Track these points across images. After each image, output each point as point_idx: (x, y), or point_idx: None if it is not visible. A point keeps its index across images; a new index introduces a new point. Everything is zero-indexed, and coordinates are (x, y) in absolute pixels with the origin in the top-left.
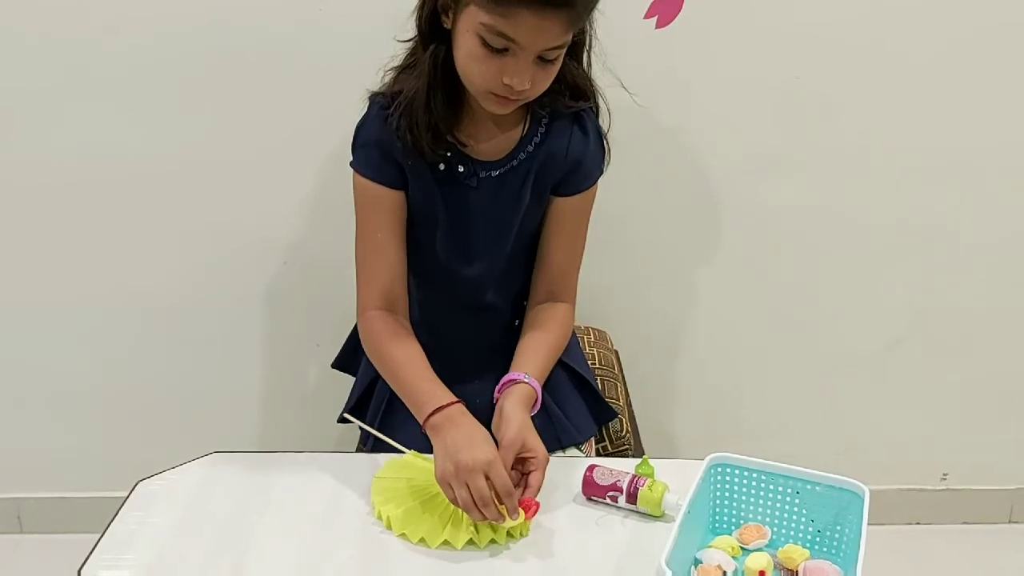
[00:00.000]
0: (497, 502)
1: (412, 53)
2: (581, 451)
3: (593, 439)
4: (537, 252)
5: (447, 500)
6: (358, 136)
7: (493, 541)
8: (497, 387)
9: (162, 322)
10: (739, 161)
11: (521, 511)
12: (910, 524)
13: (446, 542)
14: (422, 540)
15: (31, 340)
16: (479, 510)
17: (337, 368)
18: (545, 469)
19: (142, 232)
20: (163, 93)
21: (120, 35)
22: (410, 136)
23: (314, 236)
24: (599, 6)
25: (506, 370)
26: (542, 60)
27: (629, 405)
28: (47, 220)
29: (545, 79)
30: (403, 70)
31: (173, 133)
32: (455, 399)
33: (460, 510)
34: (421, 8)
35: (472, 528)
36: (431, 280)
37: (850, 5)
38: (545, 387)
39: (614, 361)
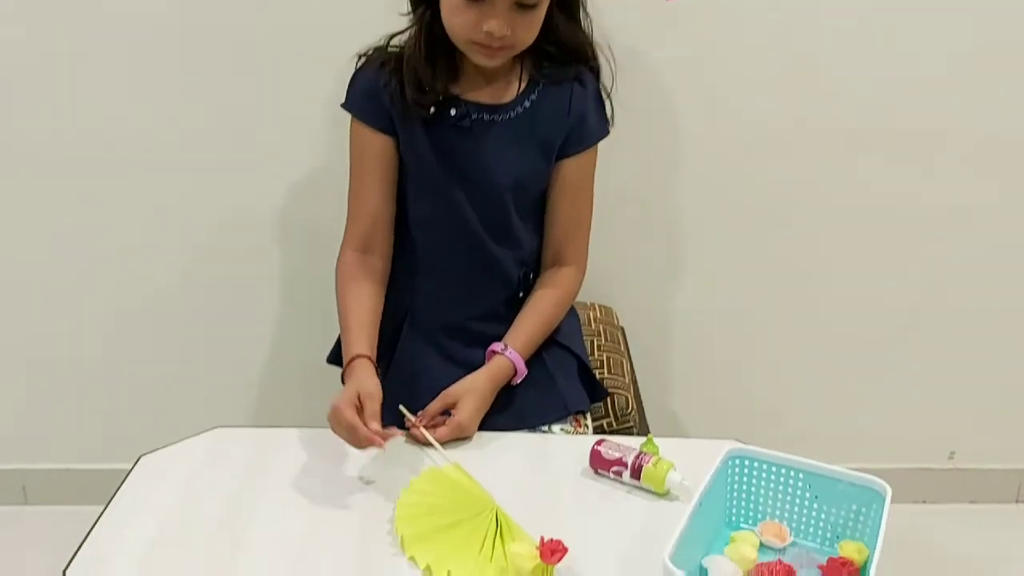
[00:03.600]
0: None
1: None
2: (566, 429)
3: (583, 416)
4: (545, 218)
5: (470, 531)
6: (353, 82)
7: None
8: (488, 350)
9: (166, 296)
10: (750, 140)
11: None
12: (917, 503)
13: (449, 573)
14: (428, 568)
15: (35, 314)
16: (359, 443)
17: (333, 363)
18: (455, 431)
19: (146, 206)
20: (165, 70)
21: (117, 7)
22: (402, 93)
23: (316, 210)
24: None
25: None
26: (520, 6)
27: (634, 382)
28: (51, 193)
29: (527, 26)
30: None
31: (174, 108)
32: (363, 352)
33: (484, 545)
34: None
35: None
36: (433, 227)
37: None
38: (537, 361)
39: (620, 338)
